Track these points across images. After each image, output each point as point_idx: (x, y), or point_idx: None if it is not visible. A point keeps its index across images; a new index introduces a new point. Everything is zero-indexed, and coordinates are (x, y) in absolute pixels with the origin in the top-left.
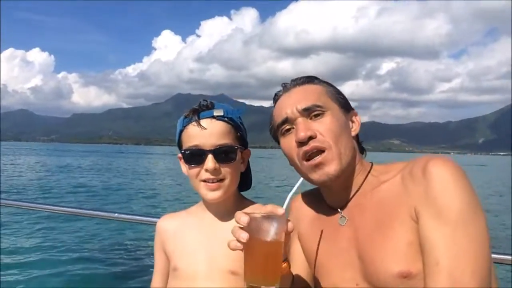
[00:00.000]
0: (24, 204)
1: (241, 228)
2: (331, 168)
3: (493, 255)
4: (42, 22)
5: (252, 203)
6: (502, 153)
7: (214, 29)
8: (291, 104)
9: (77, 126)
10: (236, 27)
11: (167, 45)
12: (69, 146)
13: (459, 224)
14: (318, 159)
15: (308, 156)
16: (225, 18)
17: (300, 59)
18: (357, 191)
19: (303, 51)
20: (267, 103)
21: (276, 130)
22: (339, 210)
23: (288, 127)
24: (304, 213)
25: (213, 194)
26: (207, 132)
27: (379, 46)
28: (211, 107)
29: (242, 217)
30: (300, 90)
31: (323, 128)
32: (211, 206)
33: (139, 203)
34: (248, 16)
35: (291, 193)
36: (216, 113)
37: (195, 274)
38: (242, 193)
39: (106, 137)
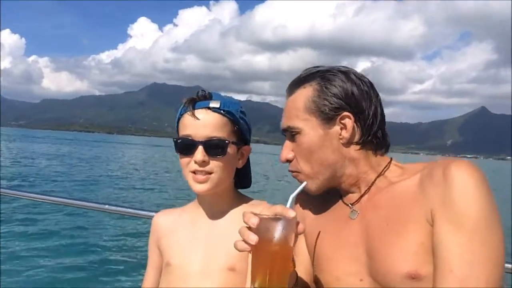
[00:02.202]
0: (8, 192)
1: (249, 229)
2: (310, 186)
3: None
4: (13, 3)
5: (250, 199)
6: (469, 155)
7: (192, 19)
8: (282, 120)
9: (47, 112)
10: (215, 18)
11: (143, 33)
12: (39, 133)
13: (476, 232)
14: (293, 175)
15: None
16: (204, 8)
17: (277, 54)
18: (370, 186)
19: (280, 46)
20: (243, 97)
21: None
22: (349, 205)
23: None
24: (312, 205)
25: (200, 186)
26: (200, 123)
27: (356, 45)
28: (208, 97)
29: (251, 218)
30: (288, 103)
31: (297, 150)
32: (206, 203)
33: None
34: (227, 8)
35: (294, 194)
36: (212, 104)
37: (188, 271)
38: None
39: (77, 125)
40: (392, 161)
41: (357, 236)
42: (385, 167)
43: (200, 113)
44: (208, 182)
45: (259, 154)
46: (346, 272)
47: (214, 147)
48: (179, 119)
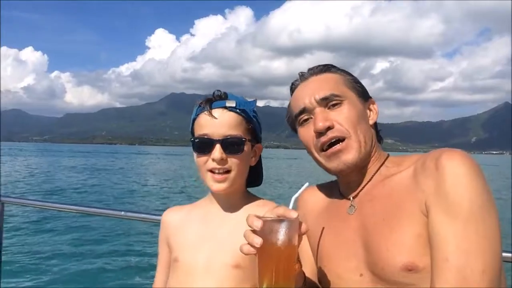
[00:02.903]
0: (29, 202)
1: (253, 231)
2: (349, 156)
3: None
4: (35, 21)
5: (258, 199)
6: (494, 152)
7: (208, 28)
8: (309, 94)
9: (70, 126)
10: (231, 25)
11: (161, 44)
12: (63, 147)
13: (471, 221)
14: (337, 147)
15: (327, 146)
16: (219, 17)
17: (294, 58)
18: (369, 181)
19: (297, 50)
20: (262, 103)
21: (294, 120)
22: (351, 198)
23: (306, 117)
24: (313, 204)
25: (218, 185)
26: (217, 122)
27: (373, 45)
28: (224, 97)
29: (255, 221)
30: (317, 79)
31: (342, 117)
32: (217, 199)
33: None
34: (242, 15)
35: (296, 195)
36: (229, 103)
37: (194, 267)
38: (249, 189)
39: (100, 137)
40: (389, 156)
41: (355, 232)
42: (384, 160)
43: (216, 112)
44: (226, 181)
45: (281, 161)
46: (346, 269)
47: (231, 145)
48: (194, 119)
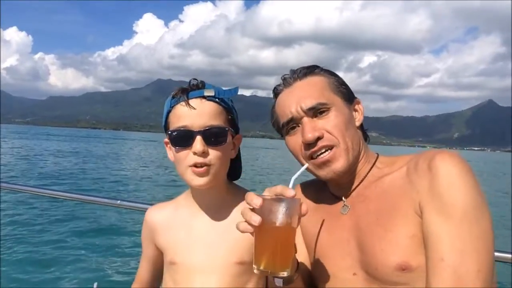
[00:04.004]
0: (23, 188)
1: (252, 210)
2: (338, 164)
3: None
4: (20, 1)
5: (246, 190)
6: (476, 148)
7: (197, 15)
8: (295, 102)
9: (54, 109)
10: (221, 13)
11: (149, 29)
12: (46, 129)
13: (465, 221)
14: (326, 156)
15: (316, 155)
16: (209, 4)
17: (283, 48)
18: (361, 181)
19: (286, 41)
20: (248, 92)
21: (281, 128)
22: (343, 199)
23: (293, 125)
24: (305, 202)
25: (200, 180)
26: (196, 112)
27: (362, 39)
28: (201, 86)
29: (254, 199)
30: (302, 86)
31: (330, 125)
32: (201, 195)
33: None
34: (232, 3)
35: (295, 176)
36: (207, 93)
37: (196, 268)
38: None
39: (84, 121)
40: (379, 156)
41: (349, 231)
42: (375, 161)
43: (194, 102)
44: (208, 175)
45: (272, 150)
46: (340, 268)
47: (213, 136)
48: (168, 111)
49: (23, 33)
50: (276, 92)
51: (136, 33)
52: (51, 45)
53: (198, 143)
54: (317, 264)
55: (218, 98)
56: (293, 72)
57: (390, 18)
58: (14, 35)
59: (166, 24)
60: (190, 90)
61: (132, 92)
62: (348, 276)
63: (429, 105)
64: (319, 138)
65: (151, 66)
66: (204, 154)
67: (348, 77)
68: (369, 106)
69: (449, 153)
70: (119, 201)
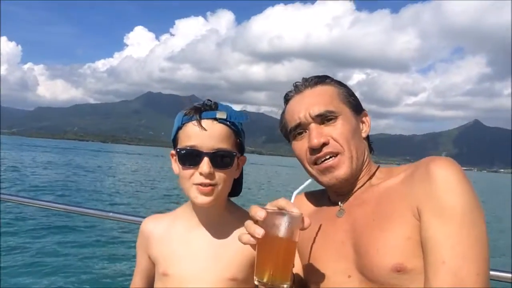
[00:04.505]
0: (12, 198)
1: (255, 222)
2: (341, 171)
3: (492, 273)
4: (10, 11)
5: (241, 209)
6: (464, 168)
7: (188, 29)
8: (304, 108)
9: (41, 120)
10: (212, 28)
11: (140, 42)
12: (32, 141)
13: (464, 225)
14: (329, 162)
15: (320, 160)
16: (200, 19)
17: (272, 64)
18: (359, 188)
19: (276, 57)
20: (238, 107)
21: (289, 133)
22: (339, 203)
23: (300, 131)
24: (303, 210)
25: (204, 199)
26: (207, 134)
27: (351, 56)
28: (214, 108)
29: (258, 211)
30: (313, 93)
31: (336, 133)
32: (200, 210)
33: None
34: (224, 18)
35: (297, 190)
36: (219, 115)
37: (189, 280)
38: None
39: (72, 133)
40: (379, 167)
41: (344, 234)
42: (375, 171)
43: (206, 123)
44: (213, 194)
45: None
46: (335, 270)
47: (220, 159)
48: (179, 128)
49: (13, 43)
50: (287, 98)
51: (127, 45)
52: (41, 56)
53: (205, 165)
54: (311, 268)
55: (229, 121)
56: (305, 80)
57: (379, 36)
58: (3, 45)
59: (157, 37)
60: (203, 110)
61: (121, 104)
62: (343, 278)
63: (417, 123)
64: (324, 144)
65: (141, 79)
66: (210, 175)
67: None
68: None
69: (445, 158)
70: (111, 213)
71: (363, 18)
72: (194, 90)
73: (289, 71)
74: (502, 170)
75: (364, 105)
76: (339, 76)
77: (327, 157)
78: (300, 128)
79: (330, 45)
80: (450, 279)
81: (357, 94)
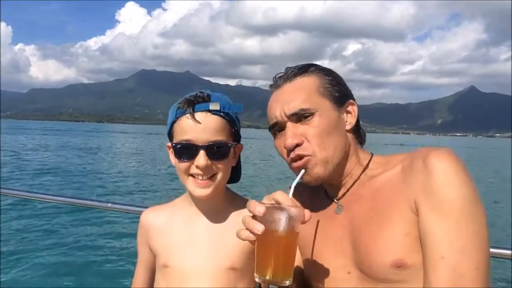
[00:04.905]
0: (14, 193)
1: (253, 217)
2: (314, 172)
3: (492, 250)
4: None
5: (240, 197)
6: (458, 134)
7: (181, 3)
8: (280, 106)
9: (35, 102)
10: (205, 1)
11: (132, 18)
12: (26, 124)
13: (462, 219)
14: (300, 162)
15: (293, 161)
16: None
17: (267, 37)
18: (355, 182)
19: (271, 29)
20: (233, 82)
21: (270, 129)
22: (335, 200)
23: (279, 128)
24: (300, 203)
25: (202, 191)
26: (201, 127)
27: (346, 27)
28: (207, 99)
29: (257, 206)
30: (290, 88)
31: (311, 132)
32: (200, 201)
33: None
34: None
35: (294, 183)
36: (212, 106)
37: (189, 272)
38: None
39: (67, 114)
40: (374, 156)
41: (343, 230)
42: (368, 162)
43: (200, 116)
44: (210, 187)
45: (256, 140)
46: (334, 267)
47: (216, 151)
48: (173, 122)
49: (3, 24)
50: (271, 90)
51: (119, 22)
52: (31, 36)
53: (202, 158)
54: (311, 264)
55: (223, 112)
56: (285, 72)
57: (374, 5)
58: None
59: (149, 13)
60: (196, 102)
61: (115, 83)
62: (342, 275)
63: (413, 92)
64: (298, 145)
65: (135, 56)
66: (207, 168)
67: (332, 65)
68: (354, 94)
69: (444, 150)
70: (109, 204)
71: None
72: (188, 66)
73: (284, 44)
74: (498, 134)
75: (360, 75)
76: (335, 46)
77: (296, 158)
78: (278, 127)
79: (325, 16)
80: (449, 274)
81: (352, 65)
